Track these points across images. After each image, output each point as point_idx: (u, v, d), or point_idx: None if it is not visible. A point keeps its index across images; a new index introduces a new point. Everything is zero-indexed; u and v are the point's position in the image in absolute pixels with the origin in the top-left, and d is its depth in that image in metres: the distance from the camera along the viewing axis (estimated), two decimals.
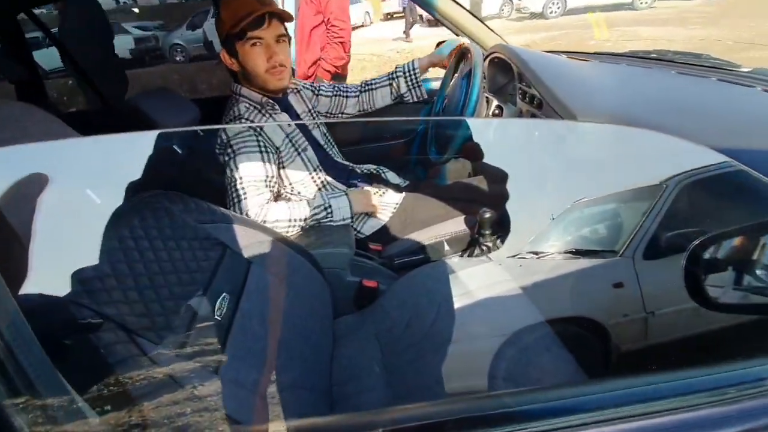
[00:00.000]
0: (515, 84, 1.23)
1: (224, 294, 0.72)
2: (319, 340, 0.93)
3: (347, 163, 1.40)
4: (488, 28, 1.45)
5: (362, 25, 13.47)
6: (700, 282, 0.49)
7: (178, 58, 10.33)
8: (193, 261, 0.72)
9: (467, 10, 1.40)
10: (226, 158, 1.05)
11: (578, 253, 1.01)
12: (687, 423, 0.34)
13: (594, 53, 1.36)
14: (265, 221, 0.99)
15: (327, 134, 1.38)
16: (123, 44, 10.12)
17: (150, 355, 0.57)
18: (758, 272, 0.49)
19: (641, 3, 9.77)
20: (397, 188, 1.39)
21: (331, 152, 1.35)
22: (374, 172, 1.45)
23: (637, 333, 0.94)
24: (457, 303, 0.96)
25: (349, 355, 0.96)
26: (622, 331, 0.96)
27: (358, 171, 1.42)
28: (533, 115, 1.05)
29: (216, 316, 0.69)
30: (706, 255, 0.49)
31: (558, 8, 10.07)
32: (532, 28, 8.14)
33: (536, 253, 1.04)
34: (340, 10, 2.24)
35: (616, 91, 0.89)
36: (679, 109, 0.74)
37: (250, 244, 0.85)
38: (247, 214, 0.99)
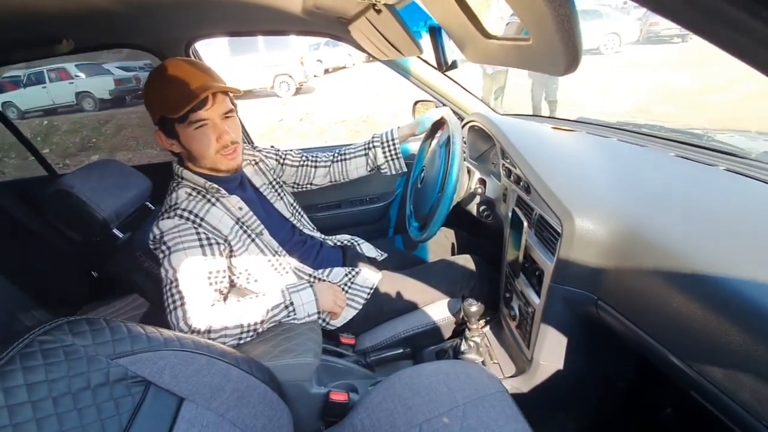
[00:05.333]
0: (496, 151, 1.13)
1: None
2: None
3: (317, 235, 1.26)
4: (470, 93, 1.38)
5: (344, 67, 13.84)
6: None
7: None
8: (96, 422, 0.55)
9: (447, 76, 1.33)
10: (161, 256, 0.89)
11: None
12: None
13: (578, 121, 1.28)
14: (209, 330, 0.83)
15: (294, 204, 1.24)
16: (103, 85, 10.17)
17: None
18: None
19: (607, 48, 10.31)
20: (373, 263, 1.26)
21: (298, 224, 1.21)
22: (347, 244, 1.31)
23: None
24: (444, 422, 0.80)
25: None
26: None
27: (330, 243, 1.28)
28: (519, 197, 0.94)
29: None
30: None
31: None
32: None
33: None
34: None
35: (614, 180, 0.79)
36: (694, 217, 0.64)
37: (183, 373, 0.68)
38: (187, 324, 0.82)
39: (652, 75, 7.66)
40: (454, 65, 0.85)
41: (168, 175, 1.02)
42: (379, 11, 0.82)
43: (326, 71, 13.17)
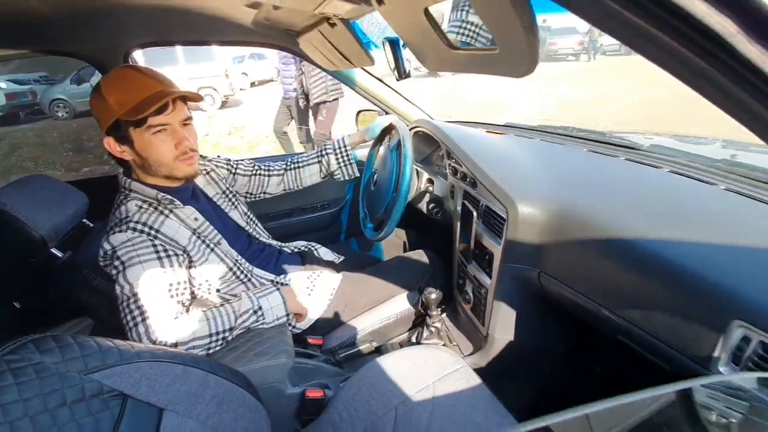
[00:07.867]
0: (441, 154, 1.25)
1: None
2: None
3: (274, 242, 1.27)
4: (409, 101, 1.49)
5: (271, 80, 13.57)
6: None
7: (60, 114, 9.30)
8: None
9: (389, 86, 1.42)
10: (114, 272, 0.85)
11: None
12: None
13: (506, 125, 1.46)
14: (176, 344, 0.81)
15: (248, 213, 1.23)
16: None
17: None
18: None
19: None
20: (332, 266, 1.29)
21: (254, 232, 1.21)
22: (305, 249, 1.33)
23: None
24: (417, 400, 0.87)
25: None
26: None
27: (288, 250, 1.29)
28: (466, 192, 1.05)
29: None
30: None
31: None
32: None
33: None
34: None
35: (545, 171, 0.93)
36: (609, 196, 0.79)
37: (160, 383, 0.67)
38: (151, 339, 0.79)
39: (553, 88, 8.68)
40: (409, 74, 0.94)
41: (105, 189, 0.97)
42: (333, 24, 0.88)
43: (252, 84, 12.81)
